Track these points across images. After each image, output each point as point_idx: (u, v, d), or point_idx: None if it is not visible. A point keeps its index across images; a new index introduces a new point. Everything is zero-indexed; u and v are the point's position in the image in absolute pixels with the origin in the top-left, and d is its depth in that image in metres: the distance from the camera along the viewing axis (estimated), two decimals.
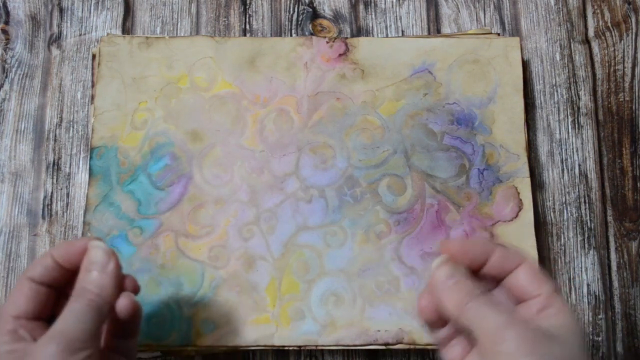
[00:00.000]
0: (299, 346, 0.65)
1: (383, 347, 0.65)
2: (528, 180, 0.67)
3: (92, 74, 0.70)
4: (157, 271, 0.66)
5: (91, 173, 0.68)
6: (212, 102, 0.69)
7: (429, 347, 0.65)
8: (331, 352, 0.69)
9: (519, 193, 0.67)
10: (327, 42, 0.70)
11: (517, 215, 0.67)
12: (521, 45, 0.71)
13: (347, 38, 0.71)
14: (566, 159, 0.72)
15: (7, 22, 0.76)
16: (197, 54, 0.70)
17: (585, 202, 0.71)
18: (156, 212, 0.67)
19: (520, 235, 0.67)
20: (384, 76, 0.69)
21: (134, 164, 0.68)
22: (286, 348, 0.65)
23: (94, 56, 0.71)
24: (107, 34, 0.71)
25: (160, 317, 0.65)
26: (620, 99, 0.73)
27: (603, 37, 0.74)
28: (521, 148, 0.68)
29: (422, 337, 0.64)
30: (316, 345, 0.65)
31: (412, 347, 0.65)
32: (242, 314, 0.65)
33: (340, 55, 0.70)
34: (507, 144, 0.68)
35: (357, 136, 0.68)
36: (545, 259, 0.70)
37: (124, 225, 0.67)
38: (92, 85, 0.70)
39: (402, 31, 0.75)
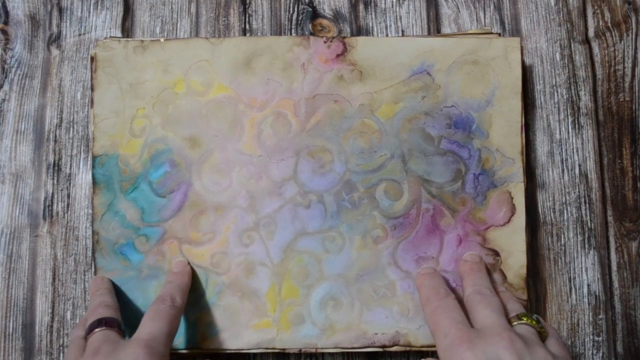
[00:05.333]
0: (299, 349, 0.66)
1: (380, 350, 0.66)
2: (522, 186, 0.67)
3: (92, 77, 0.70)
4: (164, 277, 0.68)
5: (94, 182, 0.68)
6: (209, 107, 0.69)
7: (424, 348, 0.66)
8: (332, 354, 0.70)
9: (512, 198, 0.67)
10: (325, 42, 0.69)
11: (509, 220, 0.67)
12: (521, 45, 0.70)
13: (345, 37, 0.69)
14: (566, 159, 0.72)
15: (6, 22, 0.76)
16: (192, 57, 0.69)
17: (585, 202, 0.71)
18: (159, 219, 0.68)
19: (511, 240, 0.67)
20: (383, 77, 0.69)
21: (135, 171, 0.68)
22: (287, 351, 0.67)
23: (91, 58, 0.70)
24: (105, 38, 0.71)
25: None
26: (620, 99, 0.72)
27: (603, 37, 0.73)
28: (517, 152, 0.68)
29: (418, 339, 0.66)
30: (316, 349, 0.66)
31: (407, 349, 0.66)
32: (244, 319, 0.67)
33: (338, 55, 0.69)
34: (503, 148, 0.67)
35: (354, 140, 0.68)
36: (545, 259, 0.70)
37: (130, 234, 0.68)
38: (92, 89, 0.69)
39: (402, 31, 0.74)
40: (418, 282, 0.65)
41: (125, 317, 0.64)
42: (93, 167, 0.68)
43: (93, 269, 0.68)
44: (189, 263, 0.67)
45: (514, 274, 0.67)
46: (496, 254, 0.67)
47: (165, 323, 0.58)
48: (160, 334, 0.57)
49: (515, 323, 0.56)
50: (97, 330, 0.57)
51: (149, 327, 0.57)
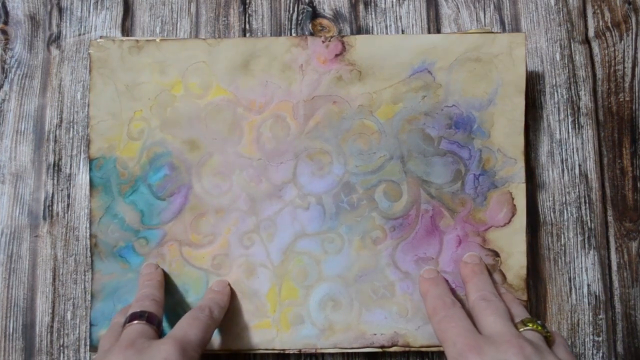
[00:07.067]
0: (299, 350, 0.67)
1: (379, 350, 0.66)
2: (523, 186, 0.67)
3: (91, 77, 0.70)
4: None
5: (92, 184, 0.68)
6: (208, 109, 0.68)
7: (423, 349, 0.67)
8: (331, 354, 0.70)
9: (513, 199, 0.67)
10: (323, 42, 0.68)
11: (510, 221, 0.67)
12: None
13: (343, 36, 0.69)
14: (566, 159, 0.71)
15: (6, 22, 0.76)
16: (189, 58, 0.69)
17: (585, 202, 0.71)
18: (159, 222, 0.68)
19: (511, 241, 0.67)
20: (382, 77, 0.68)
21: (134, 174, 0.68)
22: (286, 352, 0.67)
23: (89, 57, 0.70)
24: (99, 38, 0.70)
25: (168, 322, 0.67)
26: (620, 99, 0.72)
27: (603, 37, 0.73)
28: (519, 152, 0.67)
29: (416, 339, 0.67)
30: (315, 349, 0.66)
31: (406, 349, 0.66)
32: (244, 319, 0.67)
33: (336, 55, 0.68)
34: (504, 148, 0.67)
35: (353, 141, 0.68)
36: (545, 259, 0.70)
37: (130, 237, 0.68)
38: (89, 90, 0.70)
39: (402, 31, 0.74)
40: (422, 288, 0.65)
41: None
42: (90, 169, 0.68)
43: (91, 273, 0.68)
44: (229, 284, 0.68)
45: (513, 275, 0.67)
46: (496, 254, 0.67)
47: (200, 330, 0.58)
48: (195, 338, 0.57)
49: (521, 329, 0.56)
50: (136, 322, 0.57)
51: (184, 330, 0.57)
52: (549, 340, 0.55)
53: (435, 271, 0.66)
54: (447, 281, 0.66)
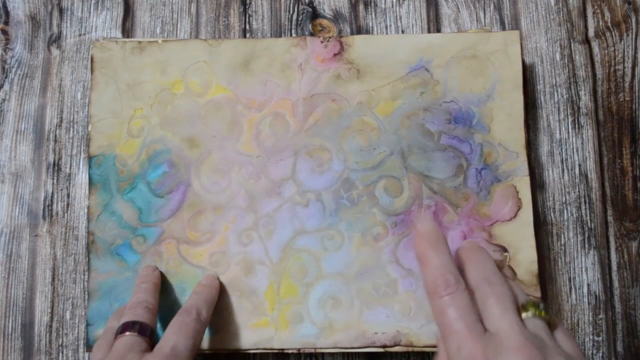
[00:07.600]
0: (298, 349, 0.66)
1: (381, 350, 0.65)
2: (527, 179, 0.67)
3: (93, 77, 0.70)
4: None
5: (91, 182, 0.68)
6: (208, 107, 0.69)
7: (426, 349, 0.65)
8: (331, 354, 0.70)
9: (517, 192, 0.66)
10: (322, 42, 0.69)
11: (515, 215, 0.66)
12: (521, 41, 0.70)
13: (342, 36, 0.69)
14: (566, 159, 0.71)
15: (6, 23, 0.76)
16: (190, 58, 0.69)
17: (585, 202, 0.71)
18: (157, 220, 0.68)
19: (519, 235, 0.66)
20: (380, 75, 0.68)
21: (133, 172, 0.68)
22: (285, 351, 0.66)
23: (92, 58, 0.70)
24: (102, 39, 0.70)
25: (165, 321, 0.66)
26: (620, 99, 0.72)
27: (603, 37, 0.73)
28: (520, 146, 0.67)
29: (420, 339, 0.65)
30: (315, 348, 0.66)
31: (409, 349, 0.65)
32: (242, 318, 0.67)
33: (335, 55, 0.69)
34: (505, 142, 0.67)
35: (353, 138, 0.68)
36: (546, 259, 0.70)
37: (127, 234, 0.68)
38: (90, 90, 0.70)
39: (402, 31, 0.74)
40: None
41: None
42: (89, 167, 0.68)
43: (88, 271, 0.68)
44: (218, 277, 0.67)
45: (524, 271, 0.66)
46: (504, 250, 0.66)
47: (189, 337, 0.58)
48: (184, 348, 0.56)
49: (523, 315, 0.53)
50: (128, 333, 0.57)
51: (173, 341, 0.57)
52: (551, 325, 0.53)
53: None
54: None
